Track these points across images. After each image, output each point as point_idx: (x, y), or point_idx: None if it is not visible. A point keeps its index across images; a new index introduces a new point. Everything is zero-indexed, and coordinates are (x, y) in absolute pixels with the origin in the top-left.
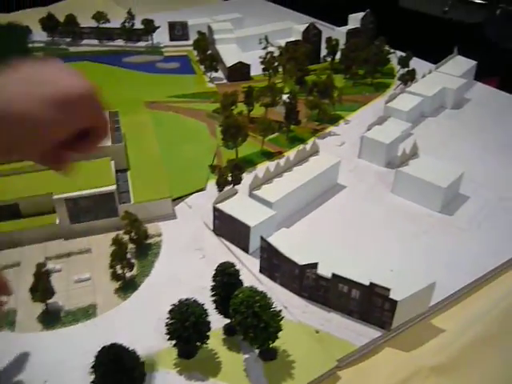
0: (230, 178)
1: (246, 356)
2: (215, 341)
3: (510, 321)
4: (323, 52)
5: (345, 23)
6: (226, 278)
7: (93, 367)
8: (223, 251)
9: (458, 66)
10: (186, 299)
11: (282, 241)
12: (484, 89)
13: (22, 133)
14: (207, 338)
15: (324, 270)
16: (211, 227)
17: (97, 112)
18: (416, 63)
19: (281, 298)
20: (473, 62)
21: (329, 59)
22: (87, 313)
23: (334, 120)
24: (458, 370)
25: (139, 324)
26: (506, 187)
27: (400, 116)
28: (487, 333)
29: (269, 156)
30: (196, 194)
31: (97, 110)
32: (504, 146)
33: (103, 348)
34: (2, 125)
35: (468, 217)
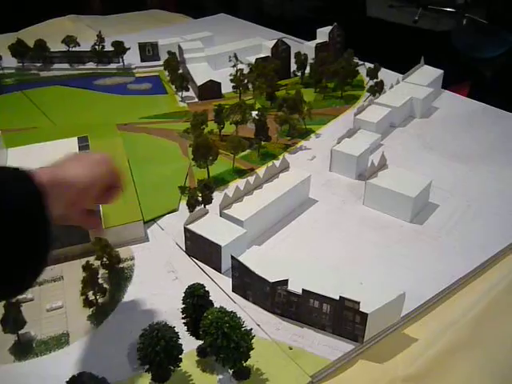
0: (200, 199)
1: (220, 377)
2: (189, 363)
3: (481, 327)
4: (293, 67)
5: (314, 37)
6: (195, 300)
7: None
8: (196, 272)
9: (425, 75)
10: (157, 323)
11: (254, 259)
12: (453, 97)
13: (74, 192)
14: (180, 360)
15: (295, 286)
16: (184, 248)
17: (114, 171)
18: (385, 74)
19: (254, 316)
20: (439, 71)
21: (298, 74)
22: (60, 341)
23: (305, 134)
24: (431, 378)
25: (112, 350)
26: (474, 194)
27: (369, 127)
28: (459, 340)
29: (241, 173)
30: (168, 215)
31: (114, 170)
32: (473, 154)
33: (71, 378)
34: (64, 188)
35: (438, 225)
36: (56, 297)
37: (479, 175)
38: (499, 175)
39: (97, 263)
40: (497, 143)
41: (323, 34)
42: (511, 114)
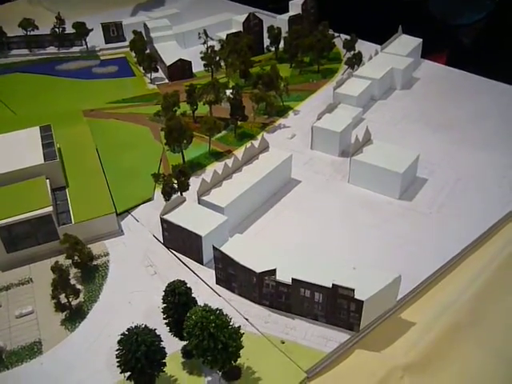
0: (176, 186)
1: (209, 379)
2: (174, 366)
3: (480, 306)
4: (266, 42)
5: (286, 10)
6: (176, 299)
7: None
8: (176, 265)
9: (404, 45)
10: (136, 327)
11: (237, 248)
12: (432, 66)
13: None
14: (163, 365)
15: (284, 275)
16: (161, 240)
17: None
18: (362, 45)
19: (241, 309)
20: (418, 40)
21: (272, 49)
22: (32, 351)
23: (283, 112)
24: (432, 365)
25: (89, 358)
26: (462, 166)
27: (350, 101)
28: (458, 322)
29: (218, 156)
30: (143, 205)
31: None
32: (458, 124)
33: None
34: None
35: (428, 201)
36: (25, 301)
37: (467, 146)
38: (487, 145)
39: (68, 262)
40: (481, 111)
41: (296, 6)
42: (492, 80)
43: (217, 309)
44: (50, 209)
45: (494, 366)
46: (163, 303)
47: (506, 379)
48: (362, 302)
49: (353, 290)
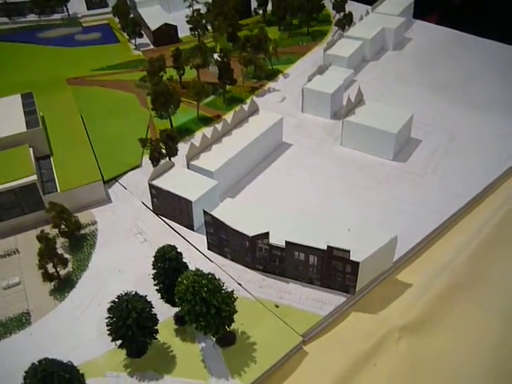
0: (164, 151)
1: (203, 345)
2: (166, 333)
3: (477, 265)
4: (254, 4)
5: None
6: (167, 264)
7: None
8: (166, 231)
9: (395, 4)
10: (126, 294)
11: (228, 212)
12: (424, 26)
13: None
14: (155, 332)
15: (277, 239)
16: (151, 207)
17: None
18: (352, 6)
19: (234, 274)
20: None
21: (260, 11)
22: (21, 322)
23: (272, 75)
24: (429, 326)
25: (80, 326)
26: (456, 126)
27: (341, 63)
28: (455, 282)
29: (206, 121)
30: (131, 172)
31: None
32: (451, 84)
33: (31, 366)
34: None
35: (422, 162)
36: (12, 272)
37: (460, 106)
38: (480, 104)
39: (55, 232)
40: (474, 71)
41: None
42: (484, 39)
43: (209, 273)
44: (34, 177)
45: (490, 326)
46: (153, 269)
47: (503, 338)
48: (358, 263)
49: (348, 252)
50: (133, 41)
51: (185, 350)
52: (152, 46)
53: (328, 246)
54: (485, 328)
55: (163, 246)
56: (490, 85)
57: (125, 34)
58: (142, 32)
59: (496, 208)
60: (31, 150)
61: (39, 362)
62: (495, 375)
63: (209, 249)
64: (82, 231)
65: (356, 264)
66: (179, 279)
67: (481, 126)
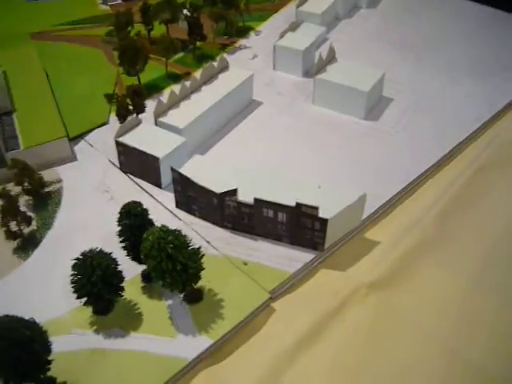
0: (131, 107)
1: (170, 302)
2: (133, 290)
3: (446, 224)
4: None
5: None
6: (132, 220)
7: None
8: (133, 190)
9: None
10: (90, 250)
11: (197, 170)
12: None
13: None
14: (121, 289)
15: (246, 196)
16: (118, 165)
17: None
18: None
19: (202, 232)
20: None
21: None
22: None
23: (244, 32)
24: (397, 282)
25: (44, 285)
26: (427, 86)
27: (313, 20)
28: (423, 239)
29: (175, 78)
30: (97, 129)
31: None
32: (423, 43)
33: None
34: None
35: (393, 121)
36: None
37: (433, 65)
38: (452, 64)
39: (18, 190)
40: (446, 29)
41: None
42: (463, 0)
43: (175, 229)
44: None
45: (457, 283)
46: (118, 225)
47: (465, 297)
48: (327, 220)
49: (317, 208)
50: None
51: (152, 307)
52: (120, 1)
53: (296, 203)
54: (451, 285)
55: (128, 203)
56: (462, 45)
57: None
58: None
59: (464, 167)
60: None
61: (1, 318)
62: (460, 331)
63: (177, 207)
64: (47, 189)
65: (324, 221)
66: (144, 235)
67: (451, 86)
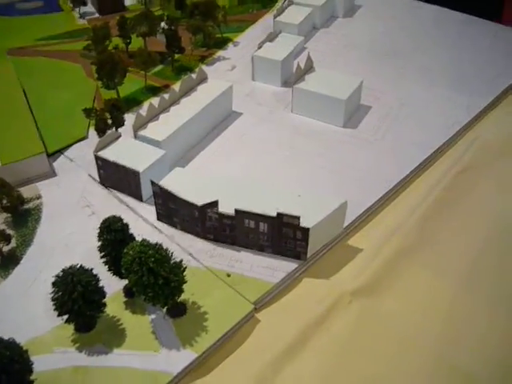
0: (110, 121)
1: (153, 316)
2: (115, 306)
3: (428, 228)
4: None
5: None
6: (113, 235)
7: None
8: (114, 204)
9: None
10: (70, 267)
11: (177, 182)
12: None
13: None
14: (103, 305)
15: (227, 207)
16: (98, 179)
17: None
18: None
19: (184, 244)
20: None
21: None
22: None
23: (222, 44)
24: (380, 289)
25: (25, 303)
26: (405, 93)
27: (291, 30)
28: (405, 244)
29: (155, 91)
30: (77, 144)
31: None
32: (402, 52)
33: None
34: None
35: (372, 128)
36: None
37: (409, 73)
38: (429, 71)
39: None
40: (424, 38)
41: None
42: (435, 6)
43: (156, 243)
44: None
45: (440, 287)
46: (98, 241)
47: (452, 300)
48: (308, 229)
49: (298, 218)
50: (77, 9)
51: (135, 322)
52: (97, 15)
53: (278, 213)
54: (437, 288)
55: (108, 218)
56: (438, 53)
57: (68, 2)
58: (86, 0)
59: (444, 171)
60: None
61: None
62: (446, 338)
63: (158, 219)
64: (26, 206)
65: (306, 230)
66: (125, 250)
67: (429, 93)
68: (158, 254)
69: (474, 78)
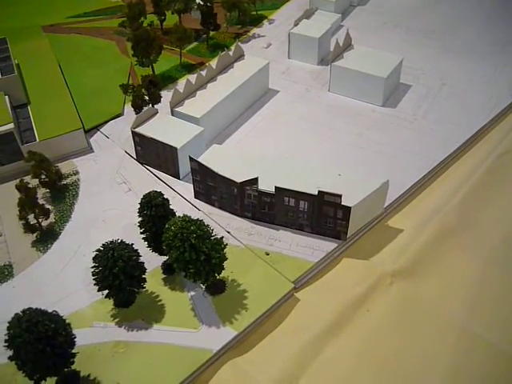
0: (146, 98)
1: (192, 293)
2: (155, 282)
3: (468, 211)
4: None
5: None
6: (153, 211)
7: (6, 341)
8: (151, 181)
9: None
10: (111, 242)
11: (215, 159)
12: None
13: None
14: (144, 281)
15: (266, 185)
16: (134, 156)
17: None
18: None
19: (222, 222)
20: None
21: None
22: (3, 274)
23: (257, 21)
24: (420, 271)
25: (64, 277)
26: (446, 71)
27: (328, 7)
28: (446, 226)
29: (190, 68)
30: (113, 120)
31: None
32: (441, 29)
33: (15, 317)
34: None
35: (412, 107)
36: None
37: (449, 51)
38: (470, 49)
39: (35, 182)
40: (463, 16)
41: None
42: None
43: (197, 219)
44: (11, 126)
45: (481, 270)
46: (139, 216)
47: (495, 282)
48: (350, 208)
49: (340, 196)
50: None
51: (174, 299)
52: None
53: (319, 191)
54: (473, 272)
55: (149, 193)
56: (479, 30)
57: None
58: None
59: (486, 153)
60: (7, 98)
61: (23, 312)
62: (489, 322)
63: (196, 197)
64: (64, 181)
65: (348, 209)
66: (167, 225)
67: (470, 71)
68: (200, 230)
69: None
